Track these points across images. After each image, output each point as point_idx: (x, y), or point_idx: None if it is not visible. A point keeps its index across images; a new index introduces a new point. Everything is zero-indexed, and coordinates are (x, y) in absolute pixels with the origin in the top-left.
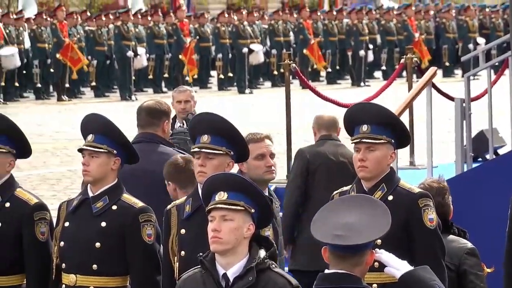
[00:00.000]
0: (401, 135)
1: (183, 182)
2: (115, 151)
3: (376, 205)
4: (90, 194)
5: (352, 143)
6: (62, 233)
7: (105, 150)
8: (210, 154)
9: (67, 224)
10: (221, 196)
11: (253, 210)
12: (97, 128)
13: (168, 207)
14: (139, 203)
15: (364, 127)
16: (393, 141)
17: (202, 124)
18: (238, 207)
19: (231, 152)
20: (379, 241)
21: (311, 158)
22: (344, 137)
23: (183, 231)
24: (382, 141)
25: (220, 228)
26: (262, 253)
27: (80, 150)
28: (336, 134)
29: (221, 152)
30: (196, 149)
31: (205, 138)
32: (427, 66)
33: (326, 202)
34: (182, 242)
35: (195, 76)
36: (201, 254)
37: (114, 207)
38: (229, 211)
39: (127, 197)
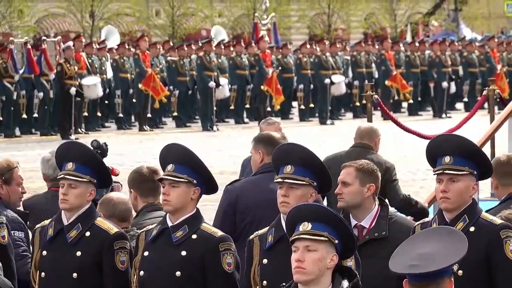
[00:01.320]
0: (483, 167)
1: (144, 191)
2: (195, 181)
3: (454, 234)
4: (170, 224)
5: (434, 174)
6: (142, 263)
7: (185, 180)
8: (293, 184)
9: (146, 253)
10: (305, 226)
11: (336, 241)
12: (177, 158)
13: (251, 237)
14: (219, 232)
15: (447, 159)
16: (475, 172)
17: (286, 154)
18: (322, 238)
19: (314, 183)
20: (460, 272)
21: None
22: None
23: (265, 261)
24: (465, 172)
25: (304, 259)
26: (345, 283)
27: (160, 180)
28: (372, 143)
29: (304, 182)
30: (280, 180)
31: (288, 168)
32: (509, 98)
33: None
34: (264, 272)
35: (278, 107)
36: (283, 284)
37: (194, 236)
38: (313, 241)
39: (206, 226)
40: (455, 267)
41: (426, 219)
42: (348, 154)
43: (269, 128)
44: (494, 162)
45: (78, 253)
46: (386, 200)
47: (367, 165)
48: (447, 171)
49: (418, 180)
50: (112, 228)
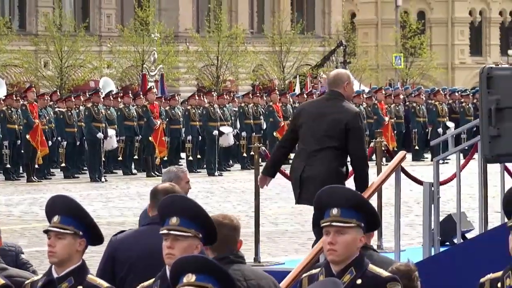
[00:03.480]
0: (370, 219)
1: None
2: (81, 233)
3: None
4: (55, 275)
5: (322, 226)
6: None
7: (71, 232)
8: (179, 236)
9: None
10: (189, 278)
11: None
12: (63, 209)
13: None
14: (105, 284)
15: (334, 211)
16: (362, 224)
17: (171, 206)
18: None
19: (200, 235)
20: None
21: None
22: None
23: None
24: (352, 224)
25: None
26: None
27: (46, 231)
28: (340, 89)
29: (190, 234)
30: (165, 231)
31: (174, 220)
32: (397, 150)
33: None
34: None
35: (165, 158)
36: None
37: None
38: None
39: (92, 278)
40: None
41: (314, 271)
42: (323, 102)
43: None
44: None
45: None
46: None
47: None
48: (334, 223)
49: (306, 232)
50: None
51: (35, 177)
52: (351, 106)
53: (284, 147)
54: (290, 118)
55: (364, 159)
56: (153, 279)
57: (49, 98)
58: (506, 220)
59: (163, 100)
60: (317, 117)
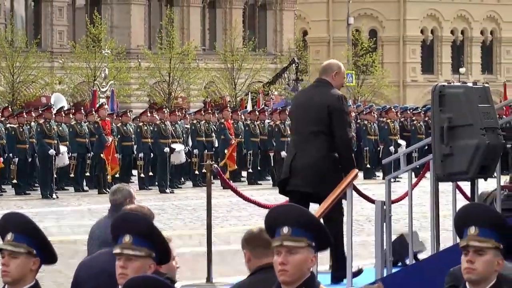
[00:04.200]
0: (322, 239)
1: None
2: (34, 251)
3: None
4: None
5: (273, 246)
6: None
7: (25, 251)
8: (132, 256)
9: None
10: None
11: None
12: (16, 227)
13: None
14: None
15: (285, 230)
16: (314, 244)
17: (124, 224)
18: None
19: (153, 254)
20: None
21: None
22: None
23: None
24: (303, 244)
25: None
26: None
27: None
28: (329, 78)
29: (143, 254)
30: (118, 251)
31: (127, 238)
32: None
33: None
34: None
35: (117, 175)
36: None
37: None
38: None
39: None
40: None
41: None
42: (311, 90)
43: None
44: (246, 234)
45: None
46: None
47: None
48: (285, 243)
49: None
50: None
51: None
52: (336, 91)
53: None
54: (241, 137)
55: (348, 142)
56: None
57: (0, 114)
58: (458, 239)
59: (115, 117)
60: (305, 105)
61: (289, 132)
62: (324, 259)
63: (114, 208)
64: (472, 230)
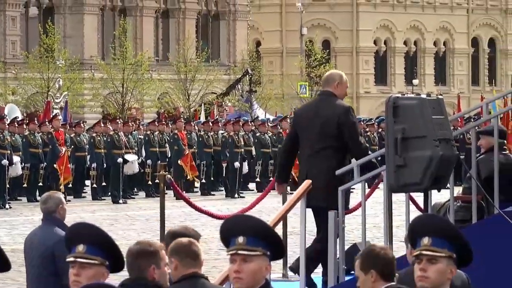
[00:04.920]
0: (275, 247)
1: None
2: None
3: None
4: None
5: (228, 254)
6: None
7: None
8: (85, 264)
9: None
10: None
11: None
12: None
13: None
14: None
15: (240, 239)
16: (268, 253)
17: (79, 234)
18: None
19: (106, 262)
20: None
21: None
22: None
23: None
24: (258, 253)
25: None
26: None
27: None
28: (331, 88)
29: (96, 262)
30: (72, 259)
31: (80, 248)
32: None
33: None
34: None
35: (70, 185)
36: None
37: None
38: None
39: None
40: None
41: None
42: (316, 103)
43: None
44: (176, 244)
45: None
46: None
47: None
48: (240, 252)
49: (210, 260)
50: None
51: None
52: (342, 102)
53: (286, 152)
54: (194, 147)
55: (365, 151)
56: None
57: None
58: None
59: (68, 127)
60: (312, 119)
61: (242, 143)
62: (276, 267)
63: (47, 216)
64: (426, 240)
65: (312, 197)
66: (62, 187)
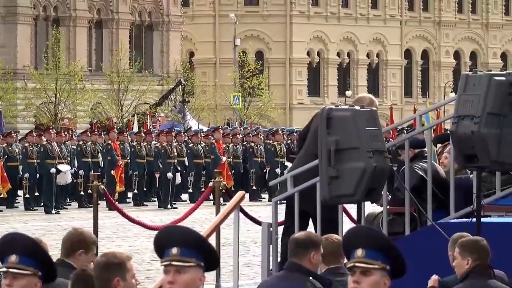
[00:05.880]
0: (209, 258)
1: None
2: None
3: None
4: None
5: (161, 265)
6: None
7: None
8: (17, 274)
9: None
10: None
11: None
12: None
13: None
14: None
15: (174, 250)
16: (202, 264)
17: (11, 244)
18: None
19: (39, 273)
20: None
21: None
22: None
23: None
24: (192, 264)
25: None
26: None
27: None
28: None
29: (28, 272)
30: (4, 269)
31: (13, 258)
32: (235, 190)
33: None
34: None
35: (1, 195)
36: None
37: None
38: None
39: None
40: None
41: None
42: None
43: None
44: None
45: None
46: None
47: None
48: (174, 263)
49: (143, 271)
50: None
51: None
52: None
53: None
54: (128, 158)
55: None
56: None
57: None
58: (345, 260)
59: (1, 137)
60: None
61: (175, 153)
62: (210, 278)
63: None
64: (359, 252)
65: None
66: (2, 194)
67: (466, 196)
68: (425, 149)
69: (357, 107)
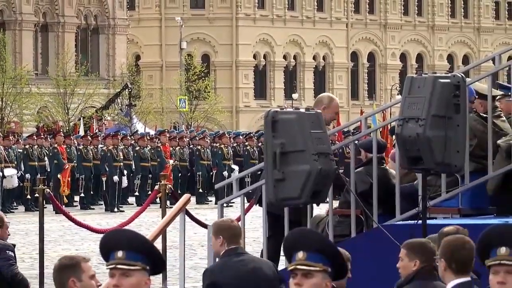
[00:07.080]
0: (155, 262)
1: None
2: None
3: None
4: None
5: (107, 268)
6: None
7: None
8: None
9: None
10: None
11: None
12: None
13: None
14: None
15: (120, 253)
16: (148, 267)
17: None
18: None
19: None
20: None
21: None
22: None
23: None
24: (137, 267)
25: None
26: None
27: None
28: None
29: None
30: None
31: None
32: (181, 193)
33: None
34: None
35: None
36: None
37: None
38: None
39: None
40: None
41: None
42: None
43: None
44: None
45: None
46: None
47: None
48: (119, 266)
49: None
50: None
51: None
52: None
53: None
54: (74, 161)
55: None
56: None
57: None
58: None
59: None
60: None
61: (121, 156)
62: (156, 281)
63: None
64: (300, 254)
65: None
66: None
67: (409, 203)
68: (383, 154)
69: (302, 110)
